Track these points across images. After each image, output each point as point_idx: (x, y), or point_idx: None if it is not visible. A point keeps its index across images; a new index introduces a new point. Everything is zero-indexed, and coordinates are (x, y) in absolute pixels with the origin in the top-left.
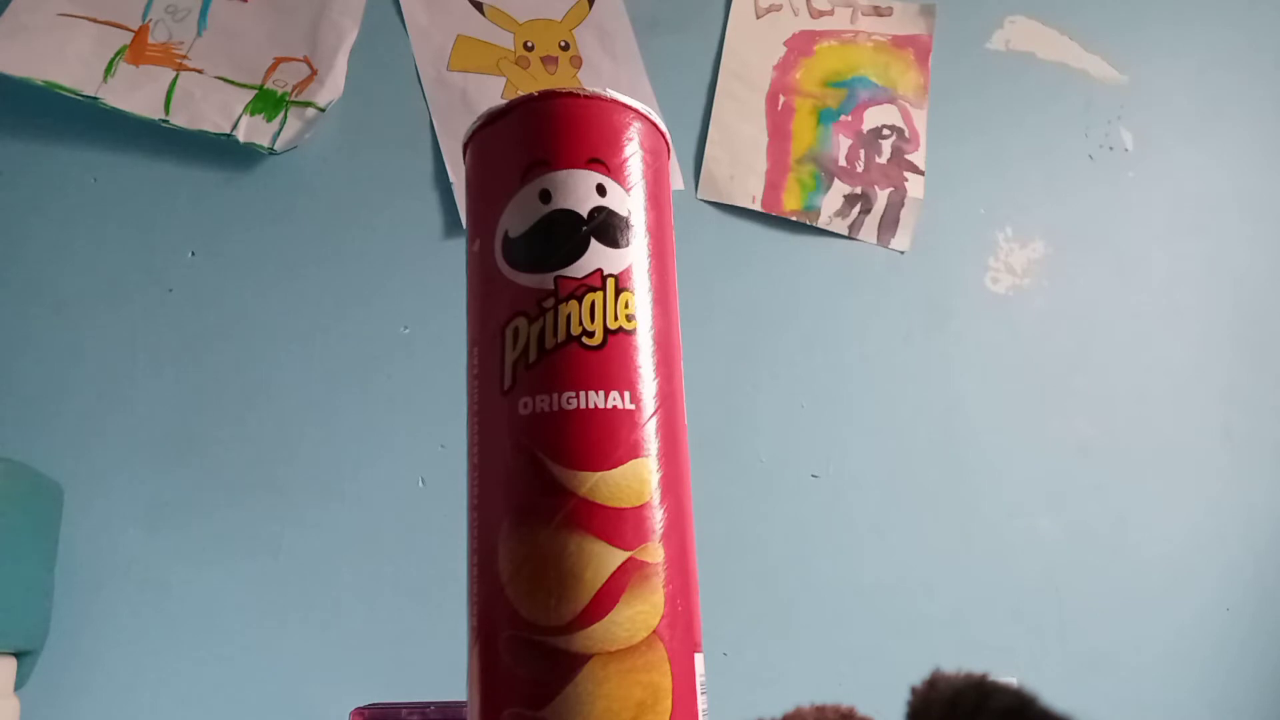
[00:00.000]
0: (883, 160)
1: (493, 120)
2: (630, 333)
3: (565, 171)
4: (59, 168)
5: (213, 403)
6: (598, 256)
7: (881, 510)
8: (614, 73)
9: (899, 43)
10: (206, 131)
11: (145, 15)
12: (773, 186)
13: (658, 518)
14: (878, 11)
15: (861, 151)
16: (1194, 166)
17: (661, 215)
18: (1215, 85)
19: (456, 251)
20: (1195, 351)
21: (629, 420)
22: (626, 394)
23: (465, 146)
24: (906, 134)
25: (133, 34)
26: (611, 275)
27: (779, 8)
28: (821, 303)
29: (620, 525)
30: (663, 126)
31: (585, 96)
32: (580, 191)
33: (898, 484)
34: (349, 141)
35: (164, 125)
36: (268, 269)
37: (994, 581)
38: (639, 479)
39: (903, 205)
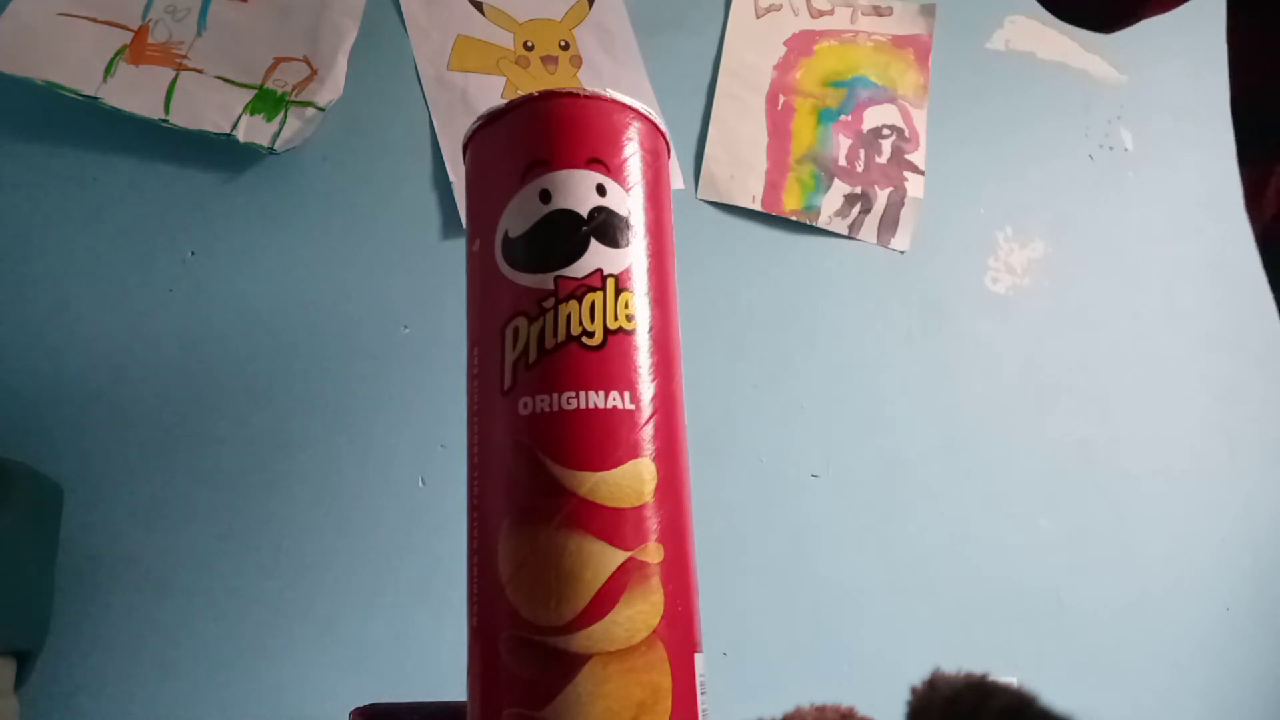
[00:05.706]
0: (883, 160)
1: (493, 120)
2: (630, 333)
3: (565, 171)
4: (59, 168)
5: (212, 403)
6: (598, 256)
7: (881, 510)
8: (614, 73)
9: (899, 42)
10: (206, 131)
11: (145, 15)
12: (773, 186)
13: (657, 518)
14: (878, 11)
15: (861, 151)
16: (1194, 166)
17: (661, 215)
18: (1215, 85)
19: (456, 251)
20: (1195, 351)
21: (629, 420)
22: (626, 394)
23: (465, 146)
24: (906, 134)
25: (133, 34)
26: (611, 275)
27: (779, 8)
28: (821, 303)
29: (620, 525)
30: (663, 126)
31: (585, 96)
32: (580, 191)
33: (898, 484)
34: (349, 141)
35: (164, 125)
36: (268, 269)
37: (994, 581)
38: (638, 479)
39: (903, 205)
